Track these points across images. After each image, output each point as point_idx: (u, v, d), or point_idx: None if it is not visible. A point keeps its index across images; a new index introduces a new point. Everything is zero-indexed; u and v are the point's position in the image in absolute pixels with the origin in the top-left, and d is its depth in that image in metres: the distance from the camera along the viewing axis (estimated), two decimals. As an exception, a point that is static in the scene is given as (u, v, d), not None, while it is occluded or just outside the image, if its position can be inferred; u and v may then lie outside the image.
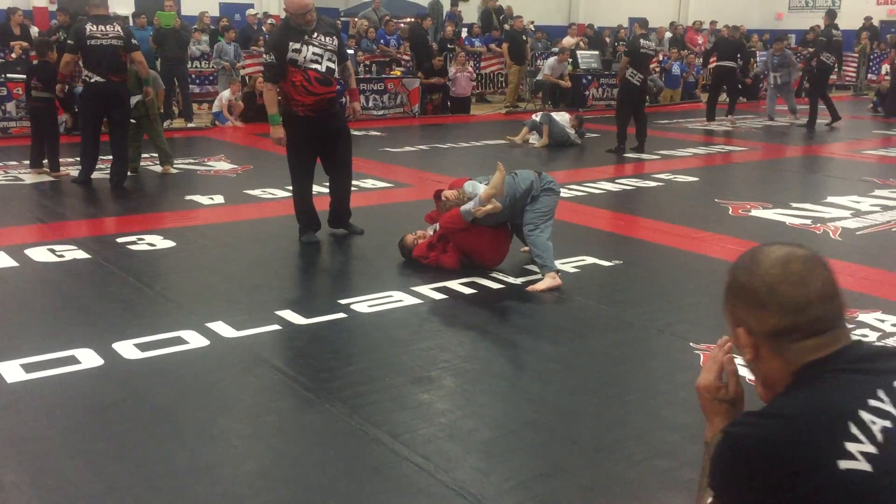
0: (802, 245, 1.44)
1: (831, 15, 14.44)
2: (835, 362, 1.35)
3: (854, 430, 1.25)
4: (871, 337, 4.22)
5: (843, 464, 1.23)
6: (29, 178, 8.30)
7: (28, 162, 8.68)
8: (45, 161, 8.50)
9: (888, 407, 1.28)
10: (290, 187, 6.20)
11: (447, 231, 5.27)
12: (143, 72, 8.19)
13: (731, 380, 1.52)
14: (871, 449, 1.24)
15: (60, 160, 8.93)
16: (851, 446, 1.24)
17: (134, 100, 8.55)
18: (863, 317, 4.50)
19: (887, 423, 1.26)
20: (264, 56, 5.87)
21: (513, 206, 5.19)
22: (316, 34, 5.66)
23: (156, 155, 9.12)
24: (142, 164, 9.10)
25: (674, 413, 3.36)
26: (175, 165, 8.95)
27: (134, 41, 7.98)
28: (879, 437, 1.25)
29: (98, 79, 7.72)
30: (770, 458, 1.27)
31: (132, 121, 8.46)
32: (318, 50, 5.65)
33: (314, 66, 5.64)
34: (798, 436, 1.27)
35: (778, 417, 1.31)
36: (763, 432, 1.30)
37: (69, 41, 7.97)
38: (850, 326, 4.41)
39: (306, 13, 5.58)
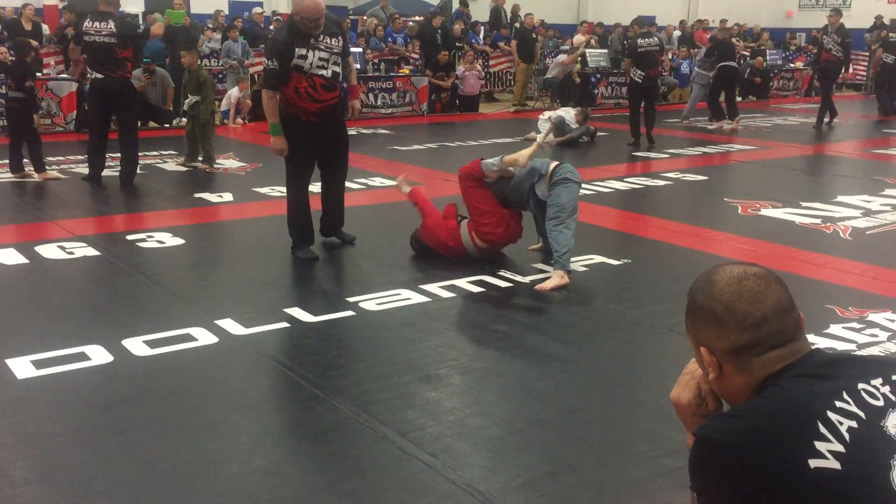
0: (756, 264, 1.50)
1: (839, 13, 13.85)
2: (797, 368, 1.39)
3: (823, 429, 1.28)
4: (882, 336, 4.20)
5: (814, 462, 1.26)
6: (38, 175, 8.31)
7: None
8: (26, 162, 8.16)
9: (853, 408, 1.31)
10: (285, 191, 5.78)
11: (463, 175, 5.36)
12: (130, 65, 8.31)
13: (709, 397, 1.56)
14: (839, 448, 1.27)
15: (69, 157, 8.97)
16: (821, 445, 1.27)
17: (193, 99, 8.75)
18: (873, 316, 4.48)
19: (853, 424, 1.30)
20: (265, 62, 5.43)
21: (519, 187, 5.24)
22: (322, 37, 5.31)
23: (165, 152, 9.19)
24: (150, 161, 9.14)
25: (682, 412, 3.35)
26: (188, 164, 8.96)
27: (139, 29, 8.21)
28: (847, 436, 1.28)
29: (98, 75, 7.83)
30: (742, 457, 1.29)
31: (184, 119, 8.59)
32: (324, 55, 5.32)
33: (321, 72, 5.31)
34: (769, 435, 1.29)
35: (748, 419, 1.34)
36: (734, 433, 1.32)
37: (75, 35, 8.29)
38: (859, 326, 4.37)
39: (319, 18, 5.23)
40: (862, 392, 1.34)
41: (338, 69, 5.44)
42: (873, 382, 1.36)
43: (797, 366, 1.39)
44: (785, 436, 1.28)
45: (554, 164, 5.30)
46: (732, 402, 1.48)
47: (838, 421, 1.29)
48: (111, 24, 7.78)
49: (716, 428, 1.36)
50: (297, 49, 5.24)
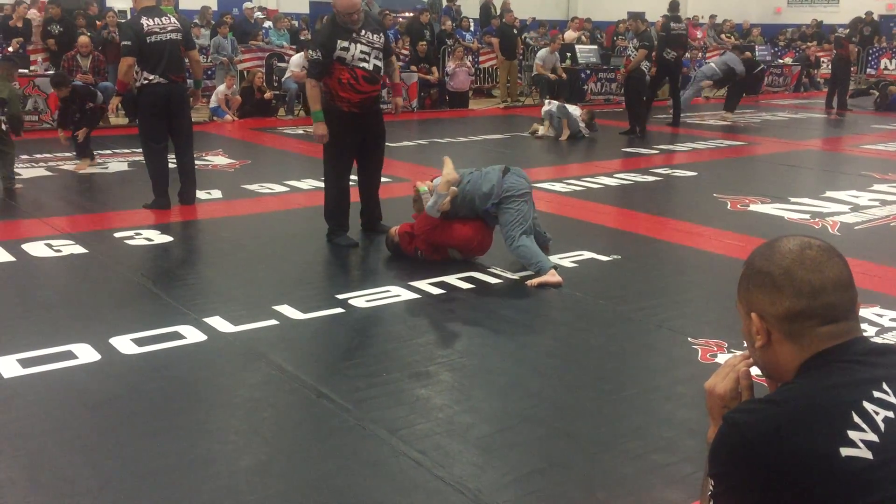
0: (819, 237, 1.48)
1: (674, 6, 12.50)
2: (843, 353, 1.37)
3: (857, 418, 1.27)
4: (870, 332, 4.21)
5: (845, 451, 1.25)
6: (26, 172, 8.24)
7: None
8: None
9: (891, 399, 1.30)
10: (323, 183, 6.01)
11: (426, 235, 5.19)
12: (197, 73, 7.42)
13: (745, 393, 1.54)
14: (872, 437, 1.26)
15: (56, 155, 8.94)
16: (853, 434, 1.26)
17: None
18: (861, 311, 4.47)
19: (890, 414, 1.28)
20: (310, 52, 5.75)
21: (471, 202, 5.13)
22: (364, 32, 5.60)
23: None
24: (137, 158, 9.08)
25: (672, 408, 3.36)
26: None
27: (194, 37, 7.26)
28: (882, 426, 1.27)
29: (158, 79, 6.59)
30: (772, 444, 1.28)
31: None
32: (365, 48, 5.60)
33: (362, 64, 5.60)
34: (801, 423, 1.28)
35: (781, 405, 1.32)
36: (766, 419, 1.31)
37: (125, 42, 6.64)
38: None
39: (353, 13, 5.53)
40: None
41: (379, 63, 5.73)
42: None
43: (844, 349, 1.38)
44: (817, 424, 1.27)
45: (499, 175, 5.12)
46: (775, 376, 1.45)
47: (874, 411, 1.28)
48: (174, 20, 6.78)
49: (746, 411, 1.35)
50: (339, 41, 5.55)
